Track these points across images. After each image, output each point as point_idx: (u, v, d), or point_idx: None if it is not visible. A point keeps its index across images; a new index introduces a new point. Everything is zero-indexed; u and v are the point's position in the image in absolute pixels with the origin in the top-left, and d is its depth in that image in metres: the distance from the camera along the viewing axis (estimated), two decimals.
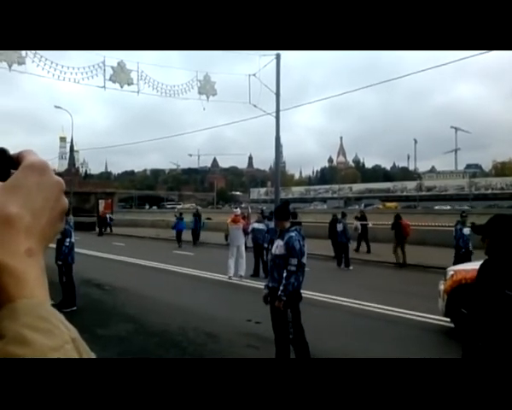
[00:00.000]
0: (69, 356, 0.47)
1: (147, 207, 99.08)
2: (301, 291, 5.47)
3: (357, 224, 19.77)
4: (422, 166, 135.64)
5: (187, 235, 24.82)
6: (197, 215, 25.70)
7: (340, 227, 15.78)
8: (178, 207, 77.60)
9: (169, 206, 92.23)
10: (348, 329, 7.82)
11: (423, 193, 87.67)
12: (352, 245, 16.90)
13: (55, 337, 0.48)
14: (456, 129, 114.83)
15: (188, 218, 26.68)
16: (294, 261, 5.22)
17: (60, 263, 9.33)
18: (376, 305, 9.13)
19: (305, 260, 5.43)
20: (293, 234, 5.33)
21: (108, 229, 36.10)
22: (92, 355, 0.54)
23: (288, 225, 5.49)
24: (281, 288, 5.18)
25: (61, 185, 0.60)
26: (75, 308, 9.24)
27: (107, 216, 37.78)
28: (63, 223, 0.63)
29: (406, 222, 16.47)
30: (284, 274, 5.21)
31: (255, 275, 13.20)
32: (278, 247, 5.35)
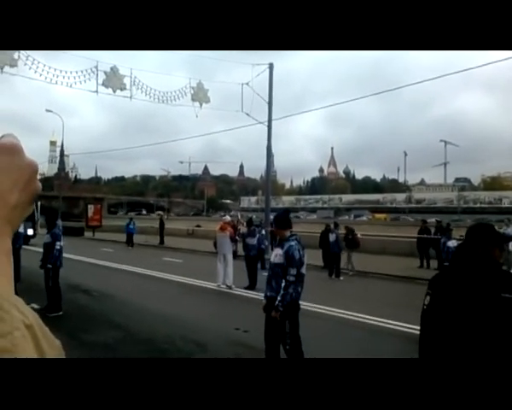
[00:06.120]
0: (17, 344, 0.44)
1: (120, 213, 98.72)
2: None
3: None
4: (412, 179, 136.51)
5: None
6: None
7: (332, 237, 15.76)
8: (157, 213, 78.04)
9: (144, 212, 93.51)
10: (337, 339, 7.79)
11: (412, 205, 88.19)
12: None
13: (4, 323, 0.45)
14: (446, 142, 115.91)
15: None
16: (293, 271, 5.08)
17: (49, 266, 9.25)
18: (366, 316, 9.11)
19: (304, 270, 5.29)
20: (293, 243, 5.19)
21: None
22: (56, 344, 0.51)
23: (288, 234, 5.34)
24: (278, 298, 5.02)
25: (34, 168, 0.57)
26: (61, 313, 9.13)
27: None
28: (32, 207, 0.60)
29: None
30: (283, 284, 5.07)
31: (251, 288, 12.44)
32: (277, 255, 5.19)
